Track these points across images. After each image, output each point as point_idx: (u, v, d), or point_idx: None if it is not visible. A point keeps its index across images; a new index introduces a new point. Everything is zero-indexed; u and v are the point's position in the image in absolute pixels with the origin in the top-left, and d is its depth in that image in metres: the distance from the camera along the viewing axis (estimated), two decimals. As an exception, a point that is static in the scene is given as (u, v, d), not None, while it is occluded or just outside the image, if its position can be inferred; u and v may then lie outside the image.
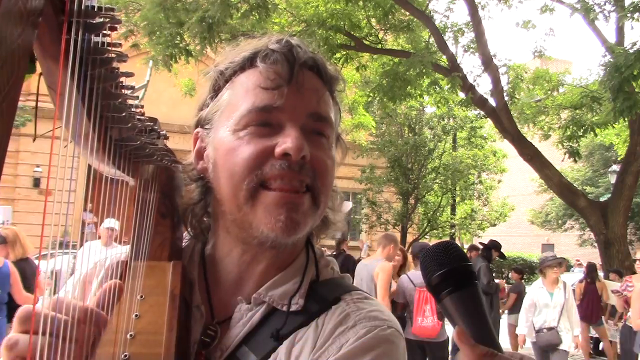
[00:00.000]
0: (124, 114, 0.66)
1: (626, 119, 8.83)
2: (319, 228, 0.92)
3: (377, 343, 0.77)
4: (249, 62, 0.84)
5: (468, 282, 0.70)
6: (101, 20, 0.53)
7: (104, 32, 0.55)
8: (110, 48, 0.58)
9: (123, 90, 0.65)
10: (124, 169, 0.77)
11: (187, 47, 9.81)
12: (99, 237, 6.35)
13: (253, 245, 0.83)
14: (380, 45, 11.37)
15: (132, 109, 0.71)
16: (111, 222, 6.16)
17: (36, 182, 16.96)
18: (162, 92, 15.60)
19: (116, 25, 0.56)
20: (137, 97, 0.71)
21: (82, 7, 0.50)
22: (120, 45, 0.59)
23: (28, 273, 5.18)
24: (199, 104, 0.91)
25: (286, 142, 0.78)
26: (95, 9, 0.52)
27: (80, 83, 0.55)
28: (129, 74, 0.63)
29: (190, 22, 8.86)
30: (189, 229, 0.92)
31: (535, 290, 6.60)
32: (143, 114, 0.75)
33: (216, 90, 0.88)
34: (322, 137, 0.85)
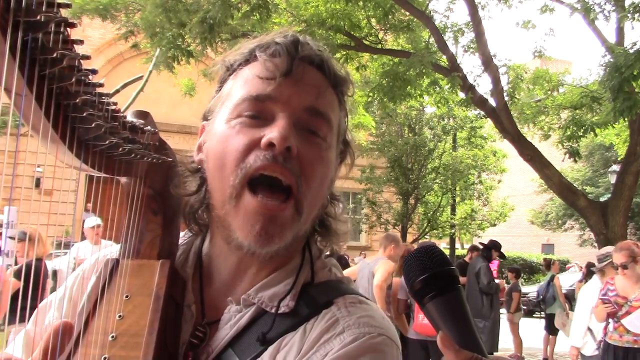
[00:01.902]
0: (85, 114, 0.64)
1: (626, 119, 8.81)
2: (322, 236, 0.89)
3: (363, 352, 0.73)
4: (252, 55, 0.83)
5: (451, 286, 0.69)
6: (45, 18, 0.50)
7: (56, 30, 0.52)
8: (63, 46, 0.55)
9: (86, 89, 0.62)
10: (100, 168, 0.75)
11: (188, 48, 9.81)
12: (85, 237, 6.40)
13: (235, 246, 0.80)
14: (380, 45, 11.35)
15: (103, 108, 0.69)
16: (94, 220, 6.19)
17: (37, 182, 16.98)
18: (162, 92, 15.57)
19: (74, 22, 0.53)
20: (107, 95, 0.68)
21: (23, 4, 0.48)
22: (81, 42, 0.56)
23: (41, 274, 5.19)
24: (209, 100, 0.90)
25: (272, 131, 0.75)
26: (43, 6, 0.50)
27: (32, 83, 0.54)
28: (91, 72, 0.61)
29: (192, 24, 8.86)
30: (187, 225, 0.90)
31: (596, 292, 5.26)
32: (118, 111, 0.73)
33: (221, 83, 0.87)
34: (316, 137, 0.80)
